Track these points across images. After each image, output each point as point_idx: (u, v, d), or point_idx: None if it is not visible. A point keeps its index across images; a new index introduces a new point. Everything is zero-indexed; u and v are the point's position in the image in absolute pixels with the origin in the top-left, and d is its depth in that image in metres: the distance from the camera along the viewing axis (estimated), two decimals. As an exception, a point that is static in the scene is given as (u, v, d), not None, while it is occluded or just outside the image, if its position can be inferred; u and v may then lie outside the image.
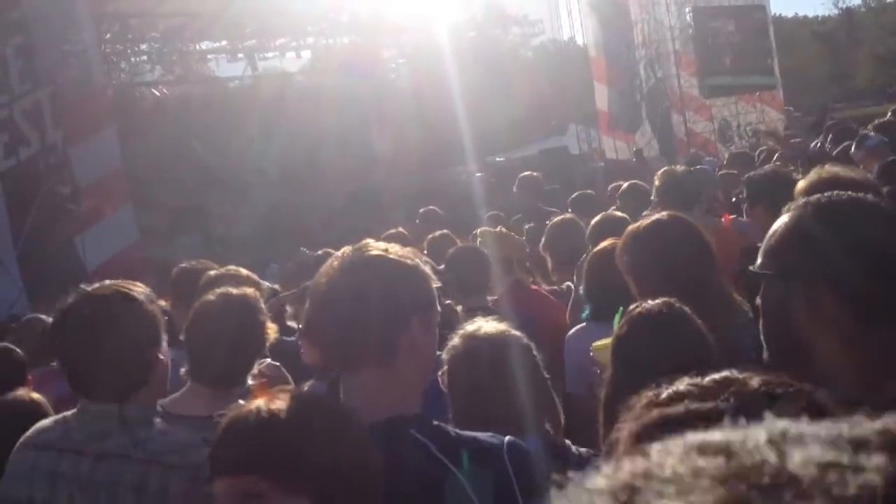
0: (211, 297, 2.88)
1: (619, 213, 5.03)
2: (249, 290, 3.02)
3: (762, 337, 1.65)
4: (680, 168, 5.48)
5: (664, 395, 1.07)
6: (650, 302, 2.37)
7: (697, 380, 1.07)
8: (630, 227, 3.09)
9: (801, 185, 2.59)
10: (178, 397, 2.78)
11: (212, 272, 3.95)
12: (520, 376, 2.46)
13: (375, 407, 1.69)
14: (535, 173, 9.28)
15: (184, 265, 4.37)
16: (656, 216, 3.15)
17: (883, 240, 1.52)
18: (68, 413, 2.38)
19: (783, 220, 1.63)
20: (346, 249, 1.81)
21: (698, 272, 2.78)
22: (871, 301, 1.48)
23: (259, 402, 1.52)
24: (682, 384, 1.07)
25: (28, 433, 2.37)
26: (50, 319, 4.89)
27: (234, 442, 1.52)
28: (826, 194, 1.65)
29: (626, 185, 7.39)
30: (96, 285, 2.38)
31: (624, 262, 2.97)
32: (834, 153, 7.91)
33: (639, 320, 2.33)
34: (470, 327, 2.58)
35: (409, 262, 1.81)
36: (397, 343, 1.74)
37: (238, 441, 1.51)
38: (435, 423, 1.78)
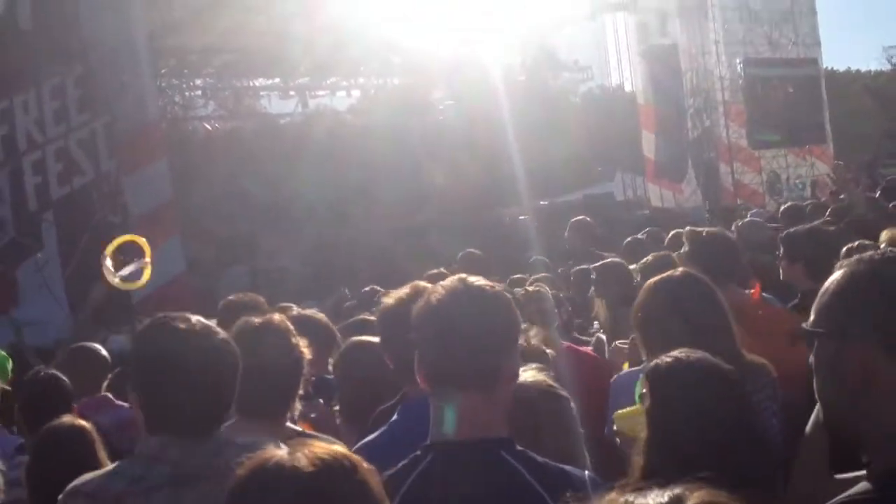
0: (243, 326, 2.85)
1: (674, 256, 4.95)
2: (277, 317, 2.98)
3: (816, 395, 1.61)
4: (714, 229, 4.79)
5: None
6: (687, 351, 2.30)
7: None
8: (644, 287, 3.07)
9: (884, 234, 2.54)
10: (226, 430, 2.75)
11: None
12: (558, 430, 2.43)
13: (471, 427, 1.81)
14: (587, 217, 9.20)
15: (231, 298, 4.38)
16: (668, 273, 3.12)
17: None
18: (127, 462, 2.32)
19: (836, 276, 1.59)
20: (452, 280, 1.91)
21: (710, 331, 2.75)
22: None
23: (283, 455, 1.49)
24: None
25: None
26: (97, 347, 4.96)
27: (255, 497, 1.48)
28: (879, 251, 1.62)
29: (672, 233, 7.33)
30: (175, 315, 2.36)
31: (638, 319, 2.95)
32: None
33: (676, 368, 2.23)
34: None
35: (507, 294, 1.96)
36: (500, 370, 1.87)
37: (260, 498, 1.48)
38: (519, 448, 1.88)
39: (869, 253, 1.61)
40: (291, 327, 2.93)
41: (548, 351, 3.97)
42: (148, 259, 5.75)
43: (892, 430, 1.22)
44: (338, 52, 20.18)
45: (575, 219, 9.12)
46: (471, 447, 1.79)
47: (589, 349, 4.85)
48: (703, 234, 4.48)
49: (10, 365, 4.52)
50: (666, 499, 1.05)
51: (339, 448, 1.59)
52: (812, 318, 1.59)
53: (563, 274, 6.54)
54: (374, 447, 2.39)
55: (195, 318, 2.35)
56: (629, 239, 7.76)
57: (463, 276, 1.95)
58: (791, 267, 4.41)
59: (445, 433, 1.85)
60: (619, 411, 2.67)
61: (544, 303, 4.88)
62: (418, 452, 1.86)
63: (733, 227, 7.90)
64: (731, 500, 1.05)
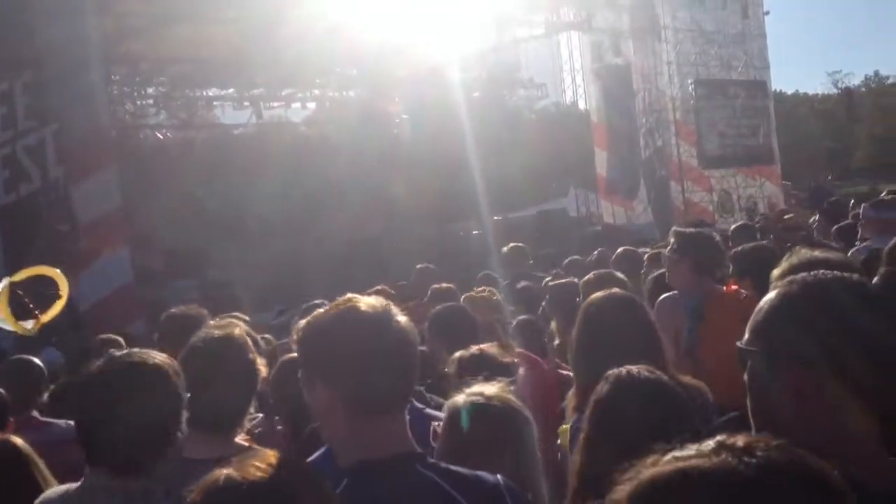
0: (197, 339, 2.82)
1: (618, 274, 5.05)
2: (236, 330, 2.94)
3: (749, 411, 1.64)
4: (698, 228, 5.19)
5: (665, 457, 1.07)
6: (634, 368, 2.38)
7: (697, 445, 1.08)
8: (584, 304, 3.16)
9: (776, 271, 2.63)
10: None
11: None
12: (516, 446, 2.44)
13: (386, 444, 1.82)
14: (520, 244, 9.34)
15: (173, 311, 4.33)
16: (603, 293, 3.20)
17: (866, 320, 1.52)
18: (75, 486, 2.29)
19: (769, 297, 1.64)
20: (374, 303, 1.88)
21: (644, 349, 2.81)
22: (855, 382, 1.48)
23: (232, 471, 1.49)
24: (683, 449, 1.07)
25: None
26: (34, 360, 4.81)
27: None
28: (812, 273, 1.66)
29: (620, 250, 7.46)
30: (125, 352, 2.35)
31: (574, 337, 3.02)
32: (832, 230, 7.96)
33: (625, 386, 2.33)
34: (476, 388, 2.55)
35: (412, 324, 1.94)
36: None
37: None
38: (431, 460, 1.91)
39: (802, 275, 1.65)
40: (250, 342, 2.90)
41: (506, 359, 4.02)
42: (63, 292, 5.45)
43: (820, 443, 1.25)
44: (294, 64, 20.10)
45: (505, 248, 9.25)
46: (386, 464, 1.79)
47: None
48: (689, 231, 4.89)
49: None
50: (713, 444, 1.07)
51: (281, 454, 1.59)
52: (746, 336, 1.63)
53: (508, 289, 6.58)
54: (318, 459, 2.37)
55: (149, 354, 2.34)
56: (567, 260, 7.93)
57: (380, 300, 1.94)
58: (741, 282, 4.57)
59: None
60: (564, 426, 2.70)
61: (500, 312, 4.93)
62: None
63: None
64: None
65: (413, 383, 1.93)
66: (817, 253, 3.02)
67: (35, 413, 4.34)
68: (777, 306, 1.60)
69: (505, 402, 2.45)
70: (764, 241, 6.90)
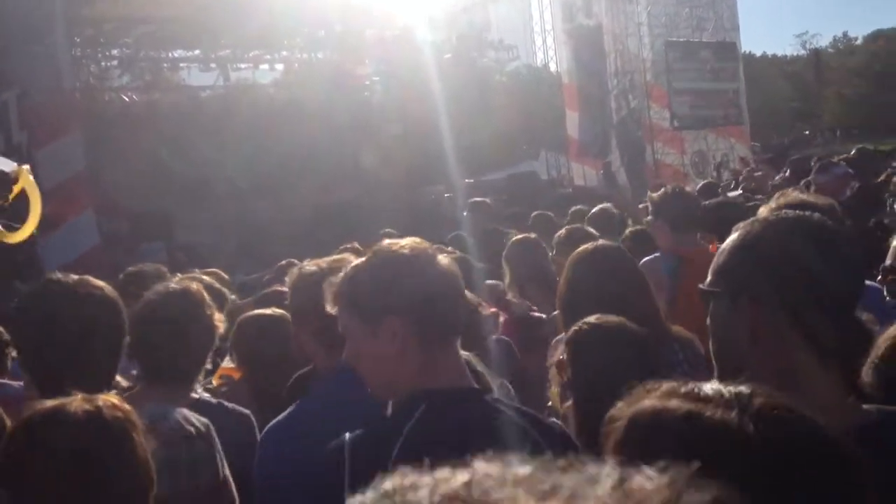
0: (152, 294, 2.79)
1: (589, 229, 5.05)
2: (193, 284, 2.93)
3: (711, 350, 1.65)
4: (676, 186, 5.20)
5: (661, 392, 1.07)
6: (601, 316, 2.41)
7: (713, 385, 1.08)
8: (569, 258, 3.12)
9: (764, 210, 2.59)
10: (129, 400, 2.69)
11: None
12: None
13: (453, 376, 1.87)
14: (486, 199, 9.37)
15: (131, 269, 4.30)
16: (591, 244, 3.19)
17: (819, 261, 1.52)
18: None
19: (731, 237, 1.64)
20: (412, 242, 1.93)
21: (632, 299, 2.83)
22: (804, 322, 1.49)
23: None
24: (692, 386, 1.07)
25: None
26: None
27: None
28: (775, 213, 1.66)
29: (595, 209, 7.44)
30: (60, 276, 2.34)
31: (559, 292, 3.01)
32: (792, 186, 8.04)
33: (591, 331, 2.39)
34: None
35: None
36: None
37: None
38: (489, 396, 1.96)
39: (764, 215, 1.65)
40: (207, 297, 2.88)
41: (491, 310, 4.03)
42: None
43: (777, 382, 1.26)
44: (261, 25, 19.81)
45: (471, 200, 9.29)
46: (456, 394, 1.84)
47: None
48: (658, 193, 4.87)
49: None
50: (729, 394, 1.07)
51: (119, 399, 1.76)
52: (709, 278, 1.64)
53: (473, 247, 6.58)
54: (306, 414, 2.36)
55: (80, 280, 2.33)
56: (536, 213, 7.89)
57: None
58: (707, 237, 4.63)
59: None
60: (553, 389, 2.71)
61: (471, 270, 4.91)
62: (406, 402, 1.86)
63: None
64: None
65: (464, 314, 1.98)
66: (805, 196, 2.99)
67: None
68: (736, 246, 1.60)
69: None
70: (725, 197, 6.91)
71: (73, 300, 2.30)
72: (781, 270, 1.51)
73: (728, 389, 1.07)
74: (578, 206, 7.95)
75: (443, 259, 1.90)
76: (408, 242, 1.91)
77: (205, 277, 4.07)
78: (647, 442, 1.01)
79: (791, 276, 1.50)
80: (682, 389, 1.07)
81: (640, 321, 2.54)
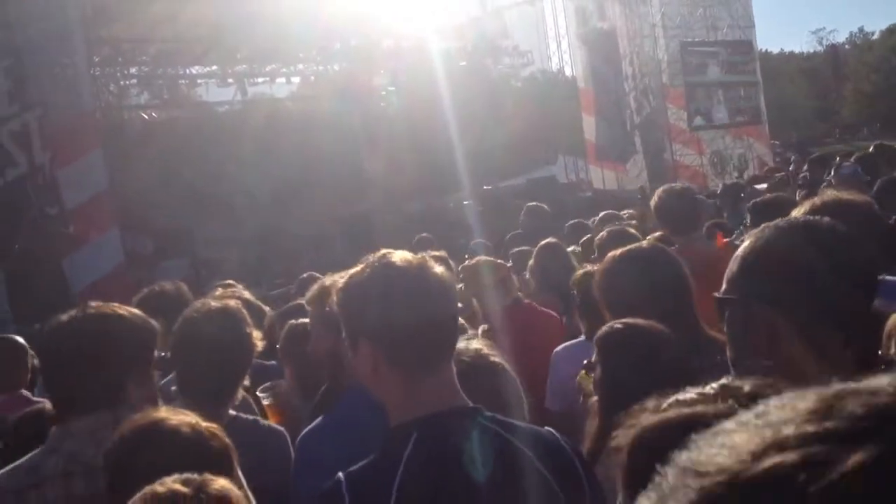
0: (193, 311, 2.80)
1: (630, 230, 5.03)
2: (232, 302, 2.94)
3: (728, 357, 1.65)
4: (679, 186, 5.12)
5: (666, 403, 1.08)
6: (631, 321, 2.41)
7: (699, 389, 1.08)
8: (609, 254, 3.07)
9: (798, 211, 2.55)
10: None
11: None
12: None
13: (444, 398, 1.77)
14: (543, 205, 9.35)
15: (147, 290, 4.32)
16: (635, 245, 3.14)
17: (823, 268, 1.50)
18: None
19: (744, 244, 1.64)
20: (409, 256, 1.85)
21: (672, 303, 2.78)
22: (809, 331, 1.49)
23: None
24: (686, 393, 1.08)
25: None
26: (18, 339, 4.79)
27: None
28: (786, 219, 1.66)
29: (602, 214, 7.44)
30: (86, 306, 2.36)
31: (600, 288, 2.97)
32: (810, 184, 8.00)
33: (620, 332, 2.40)
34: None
35: (450, 273, 1.92)
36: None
37: None
38: (488, 413, 1.84)
39: (776, 221, 1.65)
40: (246, 315, 2.87)
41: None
42: None
43: (794, 385, 1.25)
44: (276, 39, 19.93)
45: (530, 203, 9.30)
46: (448, 417, 1.75)
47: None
48: (669, 190, 4.84)
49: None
50: (717, 388, 1.08)
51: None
52: (724, 287, 1.63)
53: (501, 256, 6.57)
54: (327, 429, 2.39)
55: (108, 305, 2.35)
56: (573, 221, 7.89)
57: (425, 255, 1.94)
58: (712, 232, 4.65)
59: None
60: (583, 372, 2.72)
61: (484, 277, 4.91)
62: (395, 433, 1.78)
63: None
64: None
65: (456, 334, 1.85)
66: (843, 195, 2.92)
67: (24, 391, 4.33)
68: (749, 254, 1.60)
69: (482, 358, 2.45)
70: (777, 194, 6.79)
71: (96, 333, 2.28)
72: (793, 277, 1.51)
73: (712, 385, 1.08)
74: (609, 210, 7.95)
75: (435, 276, 1.78)
76: (401, 257, 1.81)
77: (245, 293, 4.11)
78: (653, 460, 1.03)
79: (801, 282, 1.50)
80: (669, 400, 1.09)
81: (675, 326, 2.50)
